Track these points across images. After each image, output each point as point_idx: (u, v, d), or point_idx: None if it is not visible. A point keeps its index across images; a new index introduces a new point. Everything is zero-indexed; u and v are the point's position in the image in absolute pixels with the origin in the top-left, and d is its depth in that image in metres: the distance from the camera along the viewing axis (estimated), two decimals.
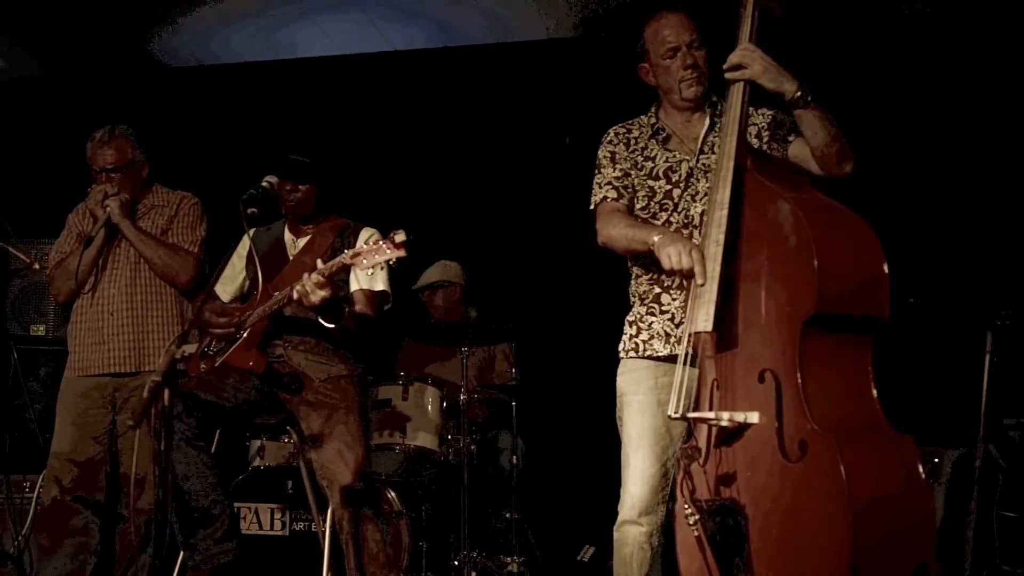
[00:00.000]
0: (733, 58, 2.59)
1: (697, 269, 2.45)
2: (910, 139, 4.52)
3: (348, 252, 3.14)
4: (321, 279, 3.18)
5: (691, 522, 2.39)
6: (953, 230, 4.42)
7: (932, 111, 4.57)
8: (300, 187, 3.59)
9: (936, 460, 3.92)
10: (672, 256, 2.49)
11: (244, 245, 3.65)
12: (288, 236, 3.70)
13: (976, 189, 4.42)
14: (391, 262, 3.07)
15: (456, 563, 4.28)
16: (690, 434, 2.55)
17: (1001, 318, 3.09)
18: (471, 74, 5.53)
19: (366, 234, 3.59)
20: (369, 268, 3.10)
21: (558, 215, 5.20)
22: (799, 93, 2.56)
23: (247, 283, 3.71)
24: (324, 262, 3.23)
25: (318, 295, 3.19)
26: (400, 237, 3.05)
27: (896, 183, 4.34)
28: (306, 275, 3.21)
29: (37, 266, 4.14)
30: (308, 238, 3.66)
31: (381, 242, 3.07)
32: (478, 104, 5.49)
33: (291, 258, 3.63)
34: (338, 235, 3.63)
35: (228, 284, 3.71)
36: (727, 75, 2.61)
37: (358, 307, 3.54)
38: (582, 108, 5.13)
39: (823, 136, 2.59)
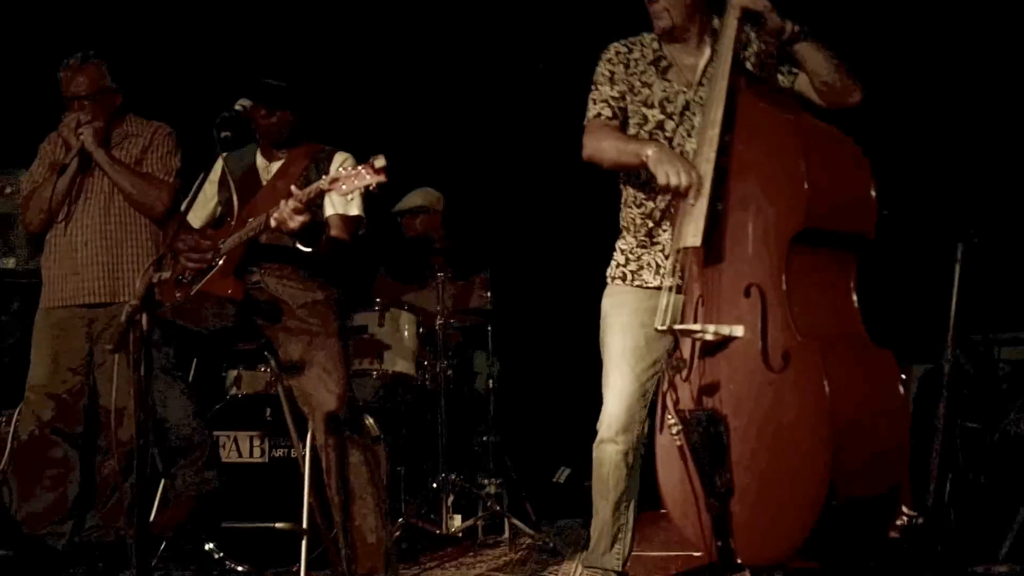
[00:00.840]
0: None
1: (691, 191, 2.48)
2: (885, 56, 4.52)
3: (326, 177, 3.11)
4: (299, 204, 3.16)
5: (674, 431, 2.45)
6: (926, 145, 4.46)
7: (904, 27, 4.57)
8: (276, 112, 3.53)
9: (904, 376, 4.01)
10: (670, 173, 2.50)
11: (216, 171, 3.60)
12: (261, 161, 3.65)
13: (952, 104, 4.45)
14: (372, 187, 3.05)
15: (434, 486, 4.34)
16: (676, 347, 2.59)
17: (971, 233, 3.14)
18: None
19: (340, 158, 3.56)
20: (348, 193, 3.08)
21: (533, 142, 5.20)
22: (796, 28, 2.58)
23: (219, 208, 3.67)
24: (299, 187, 3.20)
25: (296, 220, 3.17)
26: (380, 162, 3.02)
27: (871, 96, 4.35)
28: (283, 201, 3.18)
29: (8, 190, 4.07)
30: (281, 163, 3.61)
31: (360, 167, 3.04)
32: (453, 28, 5.41)
33: (264, 183, 3.59)
34: (312, 160, 3.58)
35: (199, 210, 3.67)
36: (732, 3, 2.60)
37: (333, 232, 3.51)
38: (556, 33, 5.08)
39: (825, 67, 2.61)
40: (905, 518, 3.66)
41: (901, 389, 2.38)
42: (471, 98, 5.42)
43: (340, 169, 3.17)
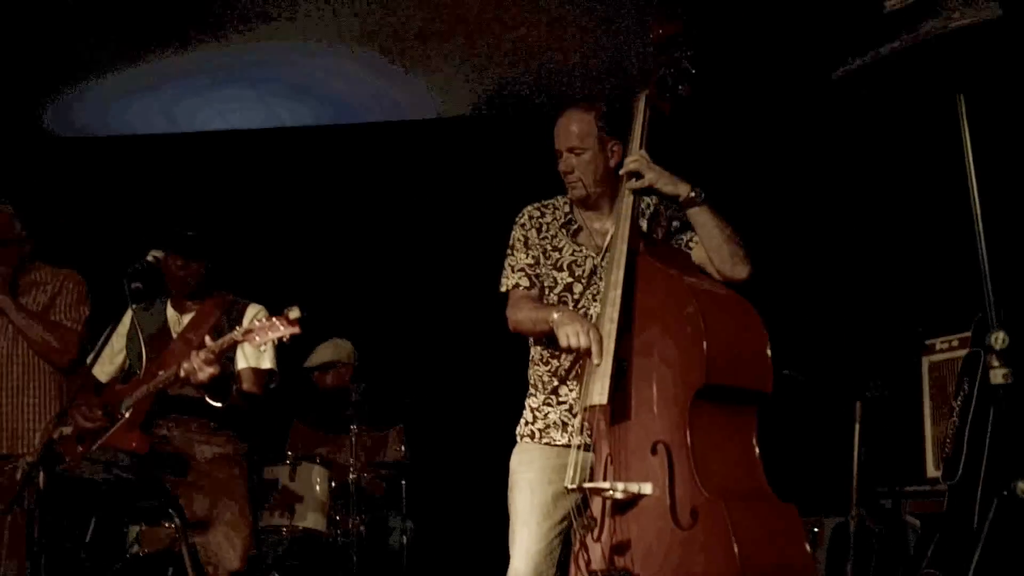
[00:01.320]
0: (627, 167, 2.70)
1: (594, 348, 2.53)
2: (779, 213, 4.73)
3: (239, 329, 3.11)
4: (210, 356, 3.14)
5: None
6: (825, 304, 4.62)
7: (795, 182, 4.79)
8: (191, 263, 3.54)
9: (816, 529, 4.04)
10: (570, 335, 2.56)
11: (125, 323, 3.57)
12: (172, 313, 3.63)
13: (846, 262, 4.65)
14: (284, 339, 3.05)
15: None
16: (586, 506, 2.58)
17: (870, 389, 3.24)
18: (361, 151, 5.57)
19: (253, 310, 3.56)
20: (262, 345, 3.07)
21: (449, 294, 5.26)
22: (692, 194, 2.67)
23: (127, 362, 3.62)
24: (212, 339, 3.19)
25: (206, 372, 3.14)
26: (294, 314, 3.04)
27: (768, 259, 4.52)
28: (194, 353, 3.16)
29: None
30: (192, 315, 3.60)
31: (275, 319, 3.05)
32: (368, 180, 5.53)
33: (175, 336, 3.56)
34: (224, 312, 3.58)
35: (106, 364, 3.60)
36: (626, 184, 2.72)
37: (245, 385, 3.49)
38: (475, 185, 5.23)
39: (717, 236, 2.70)
40: None
41: (807, 545, 2.40)
42: (383, 247, 5.49)
43: (255, 320, 3.17)
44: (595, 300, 2.81)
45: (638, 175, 2.67)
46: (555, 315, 2.65)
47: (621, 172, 2.72)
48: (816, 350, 4.20)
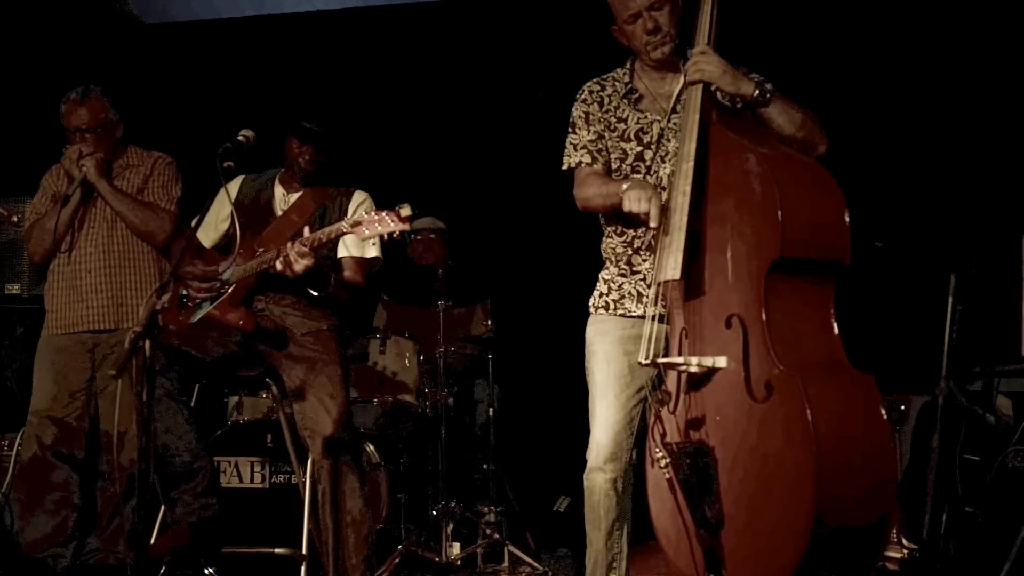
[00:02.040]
0: (691, 65, 2.64)
1: (653, 212, 2.52)
2: (878, 84, 4.57)
3: (348, 220, 3.12)
4: (304, 249, 3.19)
5: (662, 465, 2.47)
6: (921, 175, 4.49)
7: (897, 57, 4.61)
8: (321, 155, 3.58)
9: (903, 407, 4.01)
10: (632, 198, 2.56)
11: (231, 191, 3.60)
12: (279, 190, 3.68)
13: (947, 134, 4.48)
14: (395, 235, 3.06)
15: (434, 514, 4.34)
16: (661, 381, 2.60)
17: (966, 263, 3.16)
18: (444, 29, 5.50)
19: (359, 197, 3.61)
20: (371, 238, 3.08)
21: (534, 171, 5.23)
22: (757, 92, 2.61)
23: (229, 229, 3.68)
24: (311, 228, 3.24)
25: (300, 264, 3.20)
26: (406, 211, 3.04)
27: (865, 125, 4.39)
28: (289, 244, 3.21)
29: (15, 219, 4.13)
30: (299, 195, 3.65)
31: (385, 213, 3.05)
32: (451, 59, 5.48)
33: (278, 213, 3.63)
34: (330, 197, 3.62)
35: (210, 231, 3.70)
36: (686, 78, 2.66)
37: (347, 273, 3.54)
38: (557, 61, 5.13)
39: (789, 127, 2.64)
40: (904, 551, 3.65)
41: (884, 415, 2.37)
42: (469, 126, 5.46)
43: (362, 213, 3.20)
44: (664, 163, 2.78)
45: (701, 71, 2.61)
46: (624, 185, 2.64)
47: (684, 69, 2.65)
48: (912, 223, 4.09)
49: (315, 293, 3.37)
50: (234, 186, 3.64)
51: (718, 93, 2.76)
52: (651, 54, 2.81)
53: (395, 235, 3.06)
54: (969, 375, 3.97)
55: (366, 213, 3.15)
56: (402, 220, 3.05)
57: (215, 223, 3.70)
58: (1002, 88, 4.35)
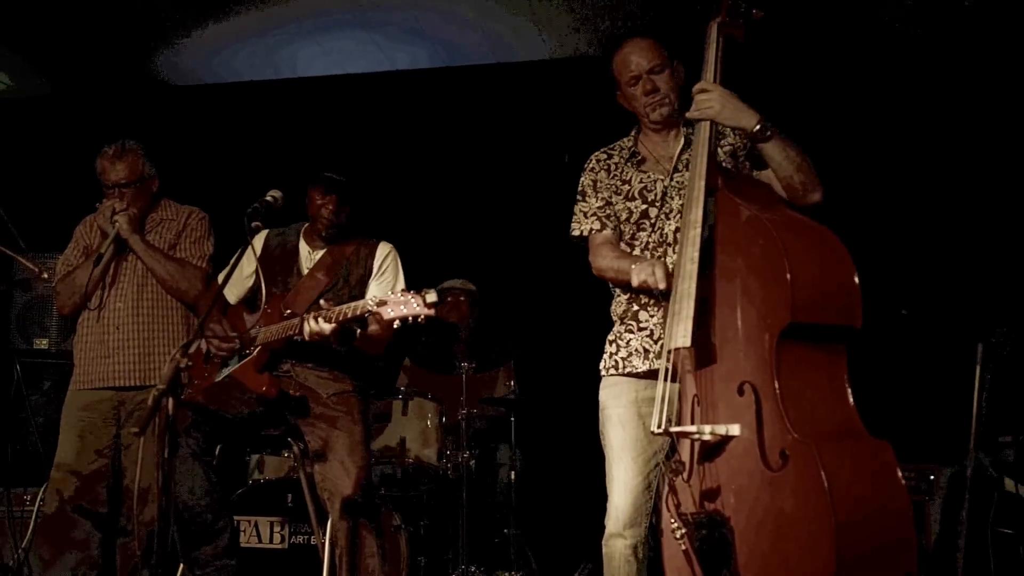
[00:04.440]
0: (696, 100, 2.67)
1: (659, 273, 2.59)
2: (906, 150, 4.58)
3: (373, 299, 3.11)
4: (327, 324, 3.20)
5: (678, 536, 2.43)
6: (949, 243, 4.46)
7: (926, 123, 4.63)
8: (344, 207, 3.62)
9: (932, 477, 3.95)
10: (639, 272, 2.62)
11: (257, 247, 3.67)
12: (304, 247, 3.72)
13: (974, 202, 4.47)
14: (419, 319, 3.04)
15: None
16: (674, 449, 2.58)
17: (995, 332, 3.13)
18: (472, 93, 5.59)
19: (383, 251, 3.64)
20: (395, 320, 3.06)
21: (559, 232, 5.26)
22: (758, 127, 2.63)
23: (255, 285, 3.72)
24: (335, 285, 3.25)
25: (327, 331, 3.22)
26: (431, 297, 3.03)
27: (892, 194, 4.39)
28: (315, 318, 3.21)
29: (46, 275, 4.16)
30: (323, 252, 3.68)
31: (411, 295, 3.04)
32: (477, 123, 5.55)
33: (304, 272, 3.65)
34: (353, 251, 3.65)
35: (235, 287, 3.73)
36: (688, 114, 2.70)
37: (373, 328, 3.54)
38: (582, 126, 5.18)
39: (786, 167, 2.66)
40: None
41: (901, 480, 2.33)
42: (495, 189, 5.52)
43: (388, 291, 3.23)
44: (668, 219, 2.83)
45: (705, 109, 2.64)
46: (633, 266, 2.69)
47: (691, 113, 2.69)
48: (940, 291, 4.06)
49: (341, 348, 3.37)
50: (259, 241, 3.67)
51: (726, 156, 2.79)
52: (651, 115, 2.89)
53: (420, 319, 3.03)
54: (1000, 445, 3.91)
55: (392, 292, 3.16)
56: (427, 306, 3.03)
57: (240, 279, 3.73)
58: None
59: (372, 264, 3.61)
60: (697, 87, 2.68)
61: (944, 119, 4.58)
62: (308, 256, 3.70)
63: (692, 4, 4.64)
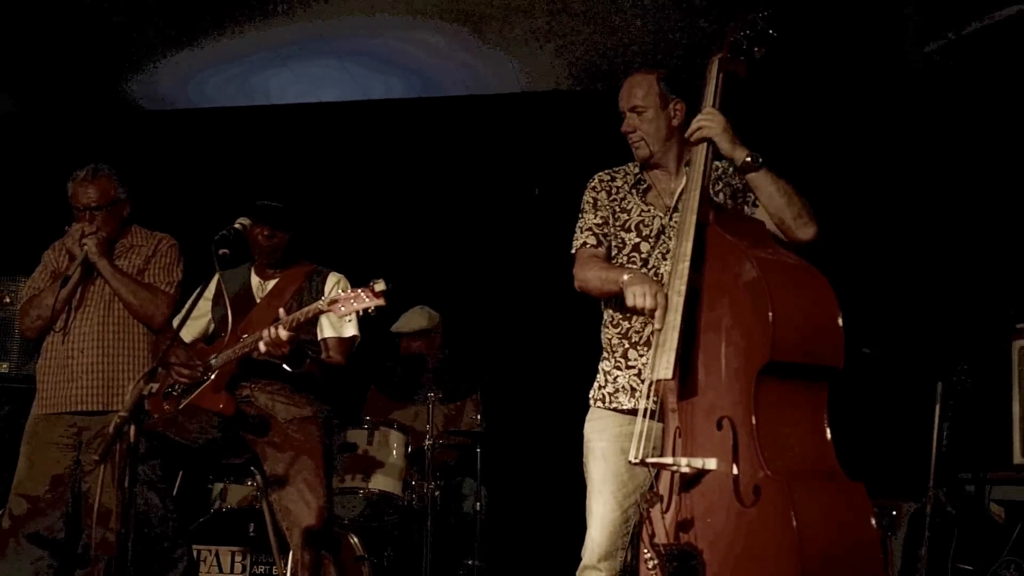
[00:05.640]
0: (695, 123, 2.70)
1: (658, 313, 2.53)
2: (868, 189, 4.65)
3: (324, 299, 3.16)
4: (284, 331, 3.20)
5: (650, 566, 2.44)
6: (909, 282, 4.53)
7: (889, 162, 4.70)
8: (277, 233, 3.62)
9: (894, 512, 3.98)
10: (637, 294, 2.56)
11: (211, 288, 3.66)
12: (255, 280, 3.73)
13: (934, 243, 4.54)
14: (370, 311, 3.08)
15: None
16: (652, 481, 2.59)
17: (955, 370, 3.17)
18: (445, 124, 5.62)
19: (333, 279, 3.64)
20: (347, 315, 3.11)
21: (527, 263, 5.29)
22: (748, 159, 2.64)
23: (211, 325, 3.73)
24: (292, 308, 3.26)
25: (284, 337, 3.21)
26: (380, 286, 3.06)
27: (852, 233, 4.45)
28: (273, 327, 3.23)
29: (8, 299, 4.12)
30: (275, 282, 3.69)
31: (360, 290, 3.08)
32: (450, 153, 5.58)
33: (258, 301, 3.66)
34: (306, 280, 3.66)
35: (192, 325, 3.71)
36: (688, 135, 2.72)
37: (329, 353, 3.56)
38: (554, 160, 5.23)
39: (778, 198, 2.67)
40: None
41: (873, 522, 2.35)
42: (466, 220, 5.54)
43: (339, 291, 3.22)
44: (664, 260, 2.81)
45: (703, 128, 2.65)
46: (625, 276, 2.66)
47: (687, 133, 2.71)
48: (900, 329, 4.11)
49: (291, 370, 3.36)
50: (211, 287, 3.66)
51: (724, 195, 2.81)
52: (634, 153, 2.91)
53: (371, 311, 3.07)
54: (960, 481, 3.95)
55: (342, 291, 3.17)
56: (375, 295, 3.06)
57: (196, 317, 3.70)
58: (988, 196, 4.42)
59: (324, 289, 3.61)
60: (701, 114, 2.69)
61: (905, 161, 4.66)
62: (260, 287, 3.71)
63: (673, 43, 4.77)
